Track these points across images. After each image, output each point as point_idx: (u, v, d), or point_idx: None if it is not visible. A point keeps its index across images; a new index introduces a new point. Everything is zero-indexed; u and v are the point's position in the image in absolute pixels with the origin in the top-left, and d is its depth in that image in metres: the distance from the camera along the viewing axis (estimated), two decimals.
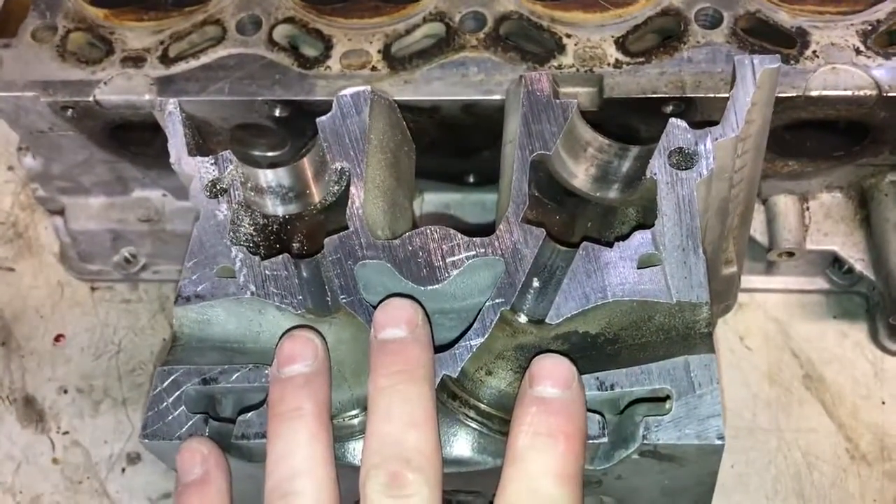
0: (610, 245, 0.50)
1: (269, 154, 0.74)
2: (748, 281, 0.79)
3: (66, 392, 0.89)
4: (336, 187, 0.57)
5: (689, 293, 0.48)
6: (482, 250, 0.51)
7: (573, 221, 0.56)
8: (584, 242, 0.50)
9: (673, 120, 0.53)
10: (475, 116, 0.66)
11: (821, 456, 0.76)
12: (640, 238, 0.50)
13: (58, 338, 0.92)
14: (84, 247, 0.90)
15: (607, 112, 0.63)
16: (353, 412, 0.50)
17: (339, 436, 0.49)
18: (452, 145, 0.71)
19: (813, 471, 0.76)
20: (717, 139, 0.51)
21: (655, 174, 0.51)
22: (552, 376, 0.45)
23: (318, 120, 0.57)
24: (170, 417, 0.49)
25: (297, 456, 0.44)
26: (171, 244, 0.87)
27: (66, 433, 0.87)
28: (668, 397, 0.46)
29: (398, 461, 0.43)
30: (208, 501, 0.46)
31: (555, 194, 0.56)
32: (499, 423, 0.48)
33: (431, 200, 0.83)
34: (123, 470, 0.86)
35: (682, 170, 0.51)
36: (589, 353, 0.49)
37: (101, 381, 0.89)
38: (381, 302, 0.49)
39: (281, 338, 0.49)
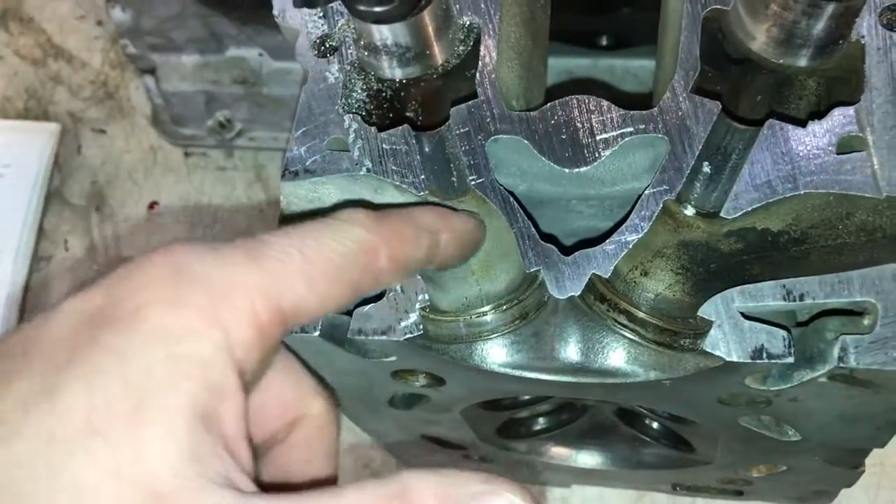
0: (800, 123, 0.41)
1: (376, 9, 0.66)
2: None
3: None
4: (462, 47, 0.49)
5: None
6: (641, 126, 0.43)
7: (738, 94, 0.47)
8: (770, 120, 0.41)
9: None
10: None
11: None
12: (841, 116, 0.41)
13: (152, 205, 0.88)
14: (177, 109, 0.84)
15: None
16: (483, 309, 0.43)
17: (467, 335, 0.43)
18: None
19: None
20: None
21: (863, 37, 0.42)
22: None
23: None
24: None
25: None
26: (267, 109, 0.81)
27: None
28: (864, 312, 0.38)
29: None
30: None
31: (716, 60, 0.47)
32: (654, 331, 0.41)
33: (553, 66, 0.74)
34: None
35: None
36: (769, 254, 0.41)
37: None
38: None
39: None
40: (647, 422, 0.61)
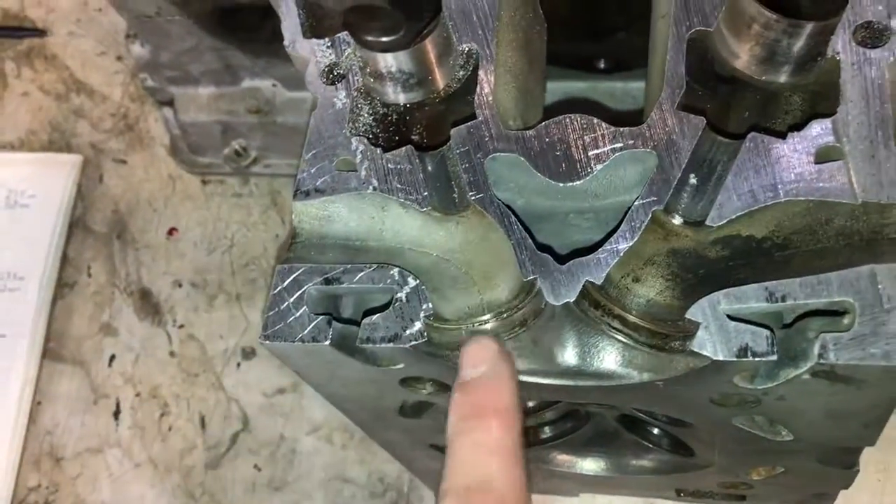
0: (781, 136, 0.44)
1: (383, 40, 0.69)
2: None
3: (180, 286, 0.89)
4: (462, 72, 0.52)
5: (878, 192, 0.42)
6: (631, 142, 0.45)
7: (727, 111, 0.49)
8: (752, 133, 0.44)
9: None
10: None
11: None
12: (819, 128, 0.43)
13: (171, 231, 0.91)
14: (194, 139, 0.88)
15: None
16: (484, 317, 0.46)
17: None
18: (585, 25, 0.64)
19: None
20: None
21: (838, 53, 0.44)
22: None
23: None
24: (291, 318, 0.46)
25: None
26: (282, 137, 0.84)
27: (181, 327, 0.88)
28: (846, 312, 0.41)
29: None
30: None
31: (706, 79, 0.50)
32: (646, 334, 0.44)
33: (554, 90, 0.76)
34: (238, 365, 0.86)
35: (872, 48, 0.44)
36: (754, 259, 0.43)
37: (215, 276, 0.89)
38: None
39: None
40: (648, 428, 0.62)
